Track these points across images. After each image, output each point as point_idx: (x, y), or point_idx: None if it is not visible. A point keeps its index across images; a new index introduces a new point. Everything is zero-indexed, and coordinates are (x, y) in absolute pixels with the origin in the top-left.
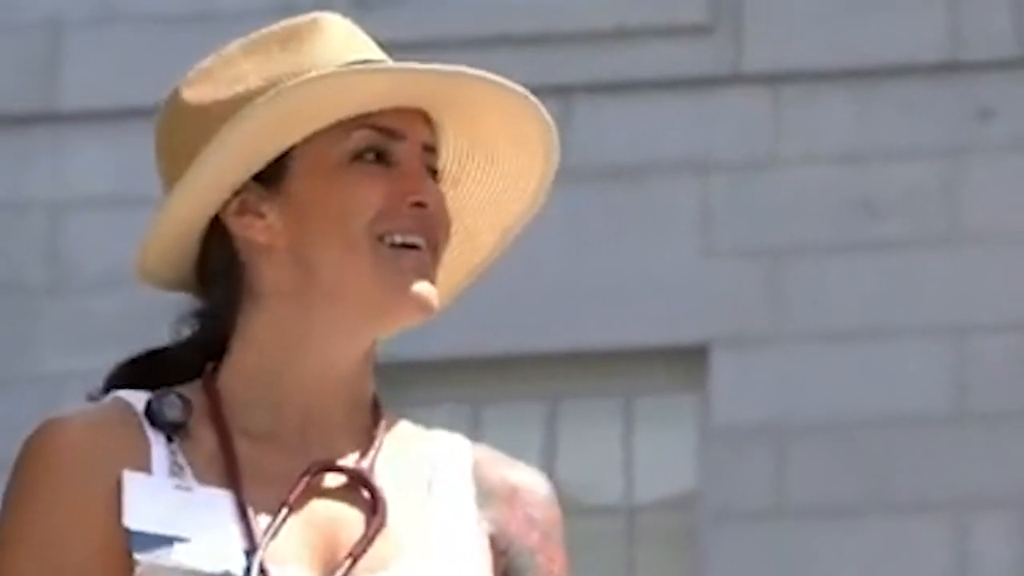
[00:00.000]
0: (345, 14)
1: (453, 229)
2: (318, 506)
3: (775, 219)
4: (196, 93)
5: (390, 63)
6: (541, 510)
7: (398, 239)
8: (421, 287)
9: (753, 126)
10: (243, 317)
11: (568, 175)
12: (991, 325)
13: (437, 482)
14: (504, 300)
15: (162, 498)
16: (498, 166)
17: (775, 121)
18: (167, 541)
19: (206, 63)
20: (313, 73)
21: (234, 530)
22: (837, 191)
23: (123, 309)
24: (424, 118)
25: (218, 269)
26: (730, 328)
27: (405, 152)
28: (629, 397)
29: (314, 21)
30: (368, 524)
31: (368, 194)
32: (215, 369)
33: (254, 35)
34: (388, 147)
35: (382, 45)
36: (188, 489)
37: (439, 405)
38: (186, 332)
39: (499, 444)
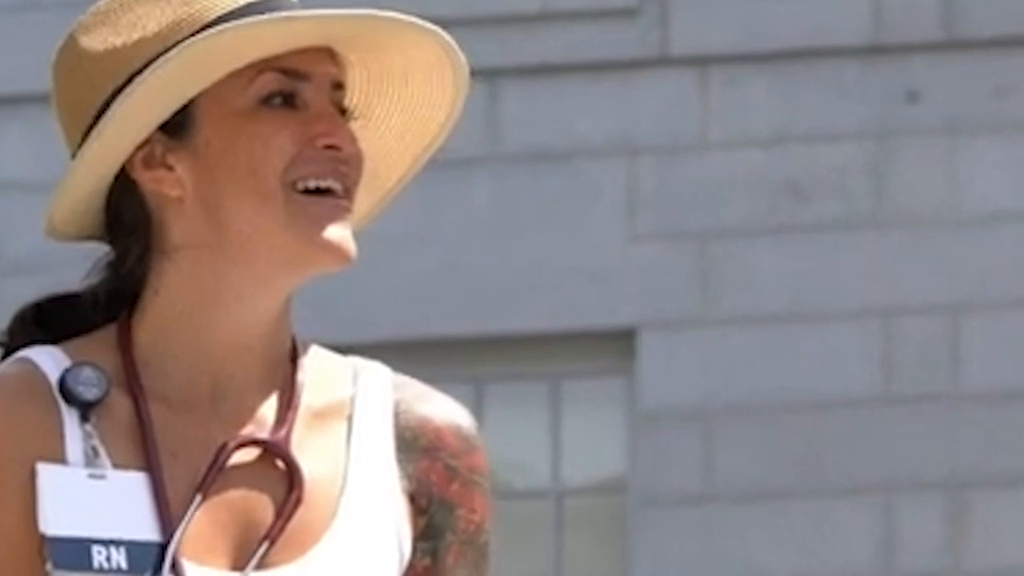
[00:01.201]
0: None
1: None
2: (233, 485)
3: (703, 202)
4: (91, 40)
5: (294, 11)
6: (461, 457)
7: (311, 184)
8: (336, 234)
9: (680, 109)
10: (155, 271)
11: (495, 158)
12: (918, 307)
13: (356, 436)
14: (431, 283)
15: (77, 493)
16: (407, 97)
17: (702, 104)
18: (83, 547)
19: (102, 5)
20: (214, 17)
21: (149, 523)
22: (764, 174)
23: (43, 293)
24: (330, 55)
25: (128, 223)
26: (658, 311)
27: (313, 92)
28: (556, 381)
29: None
30: (285, 501)
31: (278, 141)
32: (129, 317)
33: None
34: (295, 88)
35: None
36: (102, 477)
37: None
38: (96, 280)
39: None
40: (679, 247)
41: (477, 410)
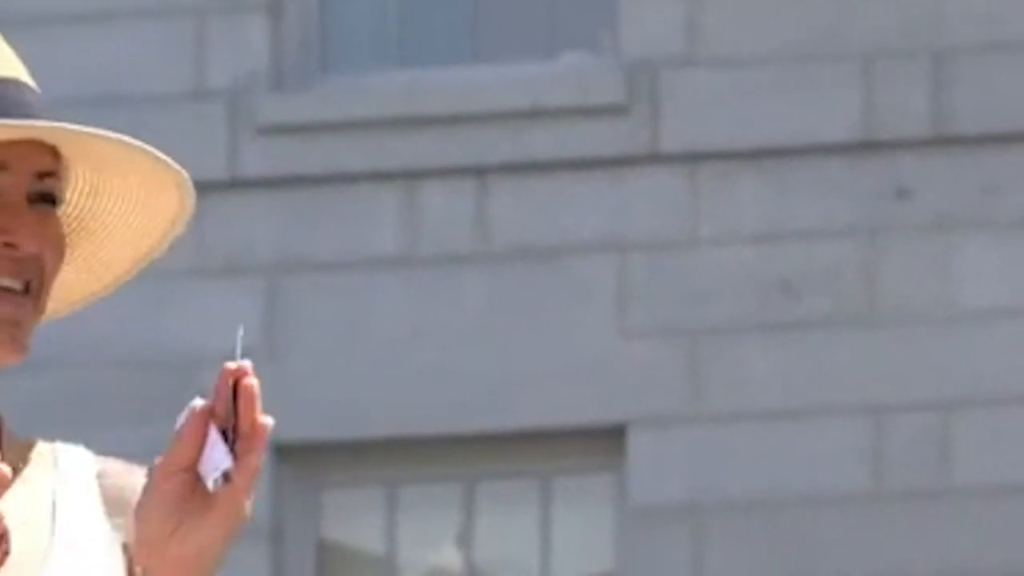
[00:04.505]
0: (260, 95)
1: (87, 246)
2: None
3: (693, 299)
4: None
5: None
6: None
7: None
8: (7, 334)
9: (670, 206)
10: None
11: (485, 255)
12: (910, 404)
13: (61, 503)
14: (421, 381)
15: None
16: (129, 191)
17: (692, 201)
18: None
19: None
20: None
21: None
22: (755, 271)
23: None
24: (42, 145)
25: None
26: (648, 408)
27: (8, 183)
28: (546, 478)
29: None
30: None
31: None
32: None
33: None
34: None
35: (297, 127)
36: None
37: (355, 487)
38: None
39: (416, 526)
40: (669, 344)
41: (467, 507)
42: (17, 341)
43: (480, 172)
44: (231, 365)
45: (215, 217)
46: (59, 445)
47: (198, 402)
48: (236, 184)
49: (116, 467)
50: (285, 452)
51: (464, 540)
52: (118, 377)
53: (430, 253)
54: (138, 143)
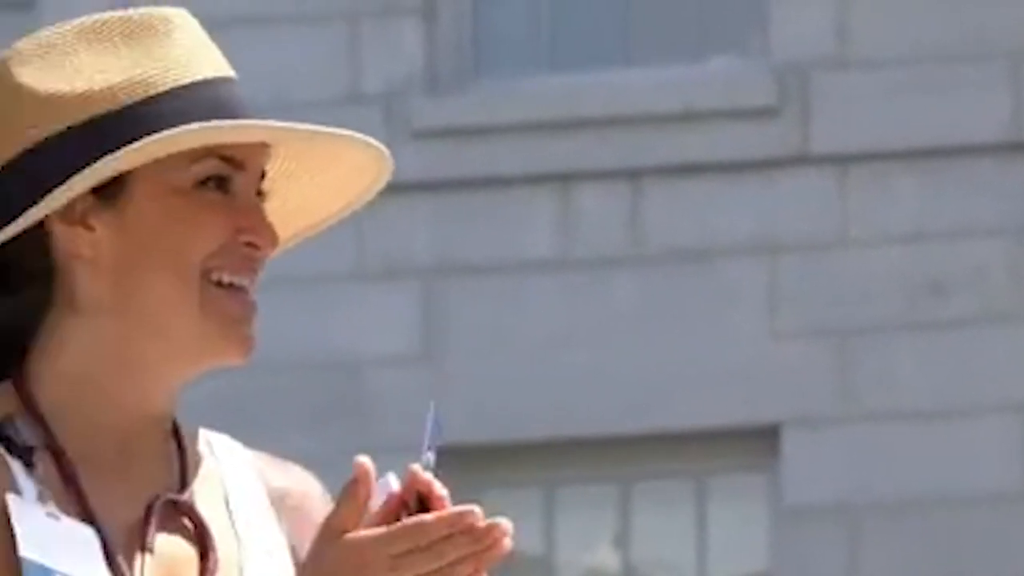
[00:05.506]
0: (415, 99)
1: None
2: (159, 544)
3: (844, 300)
4: (30, 74)
5: (250, 121)
6: (321, 513)
7: (226, 278)
8: (245, 333)
9: (821, 207)
10: (54, 323)
11: (637, 258)
12: None
13: (234, 499)
14: (576, 383)
15: (39, 527)
16: (328, 174)
17: (842, 202)
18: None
19: (43, 36)
20: (164, 89)
21: (103, 572)
22: (905, 271)
23: None
24: (265, 144)
25: (29, 271)
26: (800, 408)
27: (244, 183)
28: (701, 478)
29: (165, 19)
30: (204, 560)
31: (209, 228)
32: (20, 375)
33: (97, 20)
34: (230, 175)
35: (452, 131)
36: (57, 518)
37: (514, 488)
38: None
39: (573, 526)
40: (821, 344)
41: (623, 508)
42: (250, 340)
43: (634, 175)
44: (420, 475)
45: (373, 221)
46: (209, 433)
47: (392, 480)
48: (392, 187)
49: (268, 463)
50: (440, 455)
51: (621, 540)
52: (285, 381)
53: (584, 255)
54: (363, 139)
